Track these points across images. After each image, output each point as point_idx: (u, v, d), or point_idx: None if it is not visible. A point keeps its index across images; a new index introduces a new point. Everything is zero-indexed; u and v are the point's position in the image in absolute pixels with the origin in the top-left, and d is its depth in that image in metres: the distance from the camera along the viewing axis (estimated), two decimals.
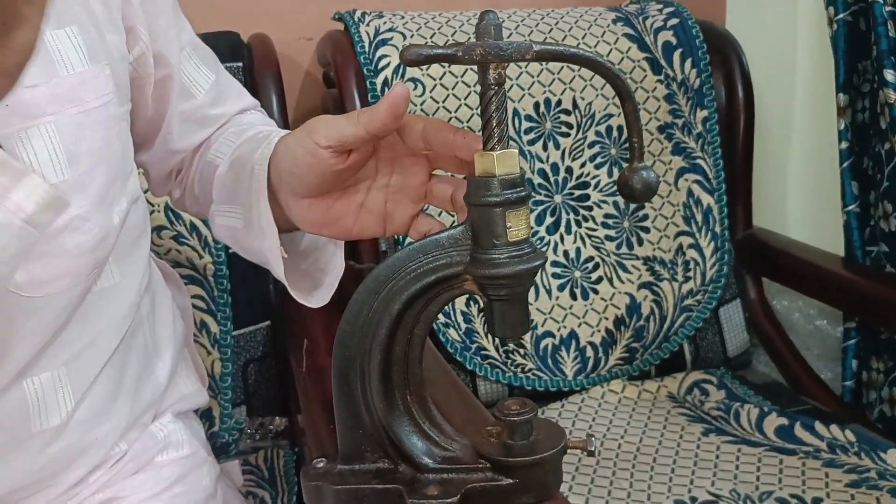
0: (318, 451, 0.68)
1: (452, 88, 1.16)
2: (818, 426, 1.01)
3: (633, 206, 1.23)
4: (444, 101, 1.15)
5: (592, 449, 0.54)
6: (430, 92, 1.14)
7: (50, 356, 0.57)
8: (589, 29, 1.23)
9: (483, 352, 1.15)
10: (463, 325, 1.15)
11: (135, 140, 0.68)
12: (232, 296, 1.06)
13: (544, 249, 1.19)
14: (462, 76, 1.16)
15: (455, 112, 1.15)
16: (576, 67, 1.21)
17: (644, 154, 0.52)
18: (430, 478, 0.53)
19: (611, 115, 1.22)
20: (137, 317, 0.66)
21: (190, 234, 1.04)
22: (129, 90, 0.64)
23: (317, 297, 0.60)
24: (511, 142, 0.51)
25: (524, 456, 0.52)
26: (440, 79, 1.15)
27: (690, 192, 1.25)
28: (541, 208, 1.19)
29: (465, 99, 1.16)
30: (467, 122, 1.16)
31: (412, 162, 0.54)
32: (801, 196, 1.35)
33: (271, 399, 1.10)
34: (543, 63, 1.19)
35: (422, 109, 1.14)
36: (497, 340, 1.16)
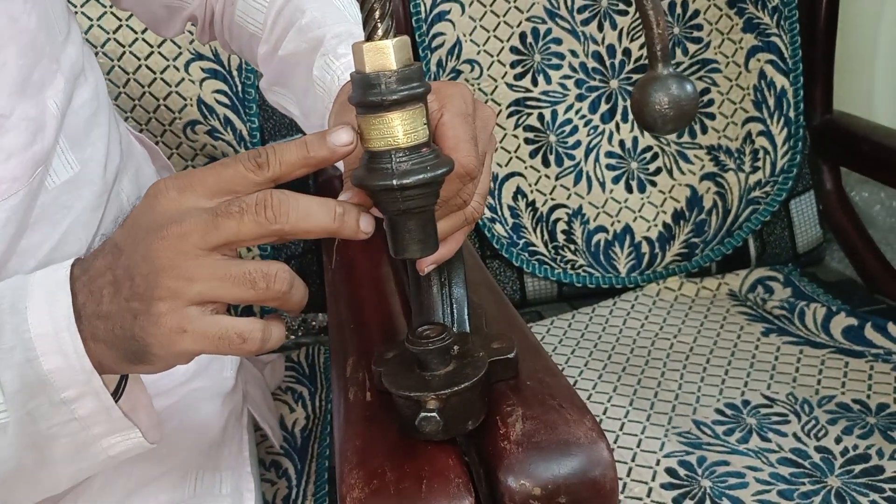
0: (340, 350, 0.66)
1: (491, 5, 1.07)
2: (891, 327, 0.93)
3: (698, 90, 1.13)
4: (481, 20, 1.06)
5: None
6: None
7: (14, 268, 0.53)
8: None
9: (531, 247, 1.10)
10: (510, 220, 1.09)
11: None
12: None
13: (598, 139, 1.11)
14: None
15: (494, 31, 1.07)
16: None
17: (667, 54, 0.39)
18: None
19: None
20: (115, 203, 0.61)
21: (224, 128, 1.01)
22: None
23: None
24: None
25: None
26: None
27: (763, 74, 1.14)
28: (595, 94, 1.11)
29: (504, 16, 1.07)
30: (507, 39, 1.07)
31: None
32: (891, 77, 1.22)
33: (313, 295, 1.08)
34: None
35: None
36: (546, 236, 1.11)
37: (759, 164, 1.14)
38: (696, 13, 1.12)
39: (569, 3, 1.09)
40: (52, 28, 0.55)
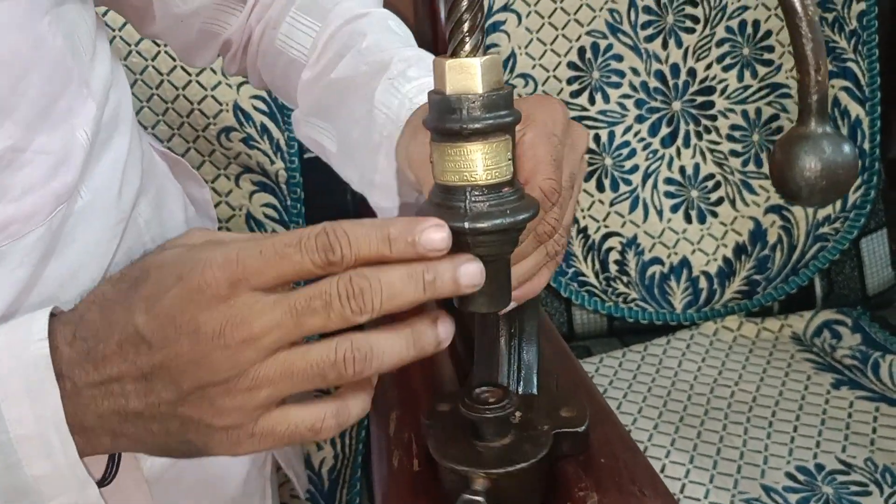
0: (381, 402, 0.59)
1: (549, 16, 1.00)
2: None
3: (765, 116, 1.05)
4: (538, 32, 0.99)
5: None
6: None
7: (29, 304, 0.46)
8: None
9: (581, 277, 1.03)
10: None
11: (131, 7, 0.56)
12: (306, 205, 0.97)
13: (658, 164, 1.04)
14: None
15: (552, 44, 1.00)
16: None
17: (825, 107, 0.31)
18: None
19: (745, 8, 1.03)
20: (132, 231, 0.54)
21: (261, 136, 0.95)
22: None
23: None
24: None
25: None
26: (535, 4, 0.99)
27: (837, 101, 1.06)
28: (656, 116, 1.04)
29: (563, 28, 1.00)
30: (564, 54, 1.00)
31: None
32: None
33: None
34: None
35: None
36: (598, 265, 1.03)
37: None
38: (769, 34, 1.04)
39: (632, 17, 1.02)
40: (79, 46, 0.48)
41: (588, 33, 1.02)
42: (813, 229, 1.06)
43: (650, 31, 1.03)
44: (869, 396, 0.88)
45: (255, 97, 0.94)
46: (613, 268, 1.03)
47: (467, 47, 0.36)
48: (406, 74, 0.50)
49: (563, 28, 1.01)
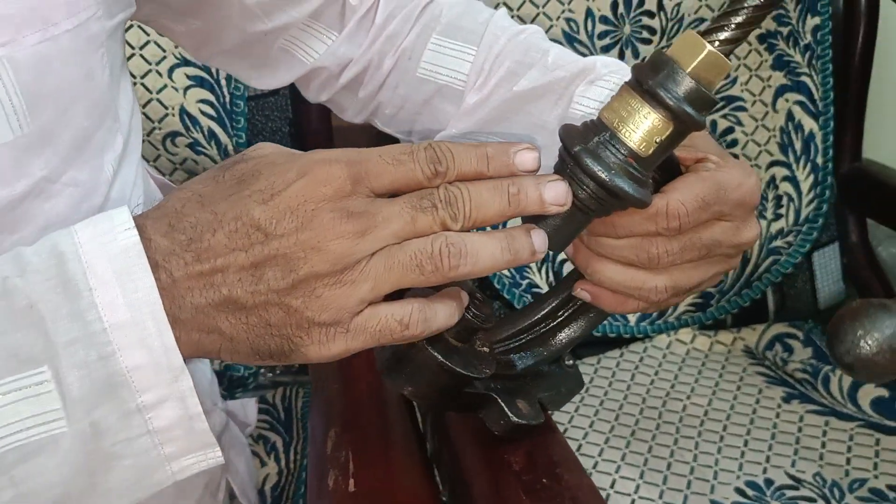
0: (320, 415, 0.57)
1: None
2: None
3: (720, 129, 1.05)
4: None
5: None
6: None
7: None
8: None
9: (535, 289, 1.02)
10: None
11: (187, 34, 0.55)
12: None
13: None
14: None
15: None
16: None
17: None
18: None
19: (702, 20, 1.03)
20: None
21: (208, 142, 0.93)
22: None
23: None
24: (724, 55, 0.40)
25: None
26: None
27: (790, 115, 1.06)
28: None
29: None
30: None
31: None
32: None
33: None
34: None
35: None
36: (552, 277, 1.02)
37: (783, 211, 1.06)
38: None
39: (589, 27, 1.02)
40: (117, 80, 0.47)
41: None
42: (766, 242, 1.06)
43: (607, 41, 1.02)
44: (819, 410, 0.88)
45: (203, 101, 0.92)
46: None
47: (721, 35, 0.37)
48: (612, 76, 0.52)
49: None
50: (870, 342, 0.29)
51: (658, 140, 0.38)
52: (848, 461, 0.79)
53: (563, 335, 0.48)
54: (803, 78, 1.06)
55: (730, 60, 0.39)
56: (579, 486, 0.45)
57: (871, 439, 0.82)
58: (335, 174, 0.36)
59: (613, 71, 0.53)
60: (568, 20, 1.01)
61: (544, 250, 0.39)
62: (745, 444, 0.83)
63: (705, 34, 0.38)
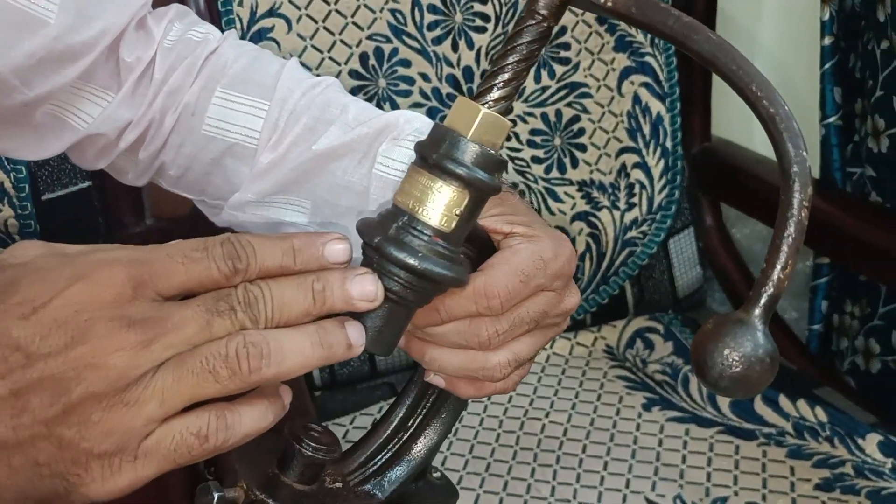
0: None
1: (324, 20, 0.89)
2: (783, 401, 0.83)
3: (566, 118, 0.99)
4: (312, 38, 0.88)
5: None
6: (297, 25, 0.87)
7: None
8: None
9: None
10: None
11: None
12: None
13: None
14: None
15: (329, 52, 0.89)
16: None
17: (770, 310, 0.31)
18: None
19: None
20: None
21: None
22: None
23: None
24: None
25: None
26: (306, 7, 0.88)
27: (637, 98, 1.02)
28: None
29: (341, 33, 0.89)
30: (345, 62, 0.90)
31: None
32: None
33: None
34: None
35: (288, 51, 0.87)
36: None
37: (636, 199, 1.02)
38: (563, 30, 0.98)
39: (417, 18, 0.93)
40: None
41: (370, 37, 0.91)
42: (621, 234, 1.02)
43: (438, 31, 0.94)
44: (679, 417, 0.84)
45: None
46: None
47: (494, 95, 0.37)
48: (415, 134, 0.50)
49: (340, 33, 0.90)
50: (736, 358, 0.29)
51: (458, 212, 0.37)
52: (708, 477, 0.76)
53: (421, 444, 0.45)
54: (647, 58, 1.01)
55: (511, 110, 0.38)
56: None
57: (731, 447, 0.80)
58: (114, 278, 0.33)
59: (417, 129, 0.51)
60: (393, 11, 0.92)
61: (362, 344, 0.36)
62: (605, 466, 0.78)
63: (477, 97, 0.38)
